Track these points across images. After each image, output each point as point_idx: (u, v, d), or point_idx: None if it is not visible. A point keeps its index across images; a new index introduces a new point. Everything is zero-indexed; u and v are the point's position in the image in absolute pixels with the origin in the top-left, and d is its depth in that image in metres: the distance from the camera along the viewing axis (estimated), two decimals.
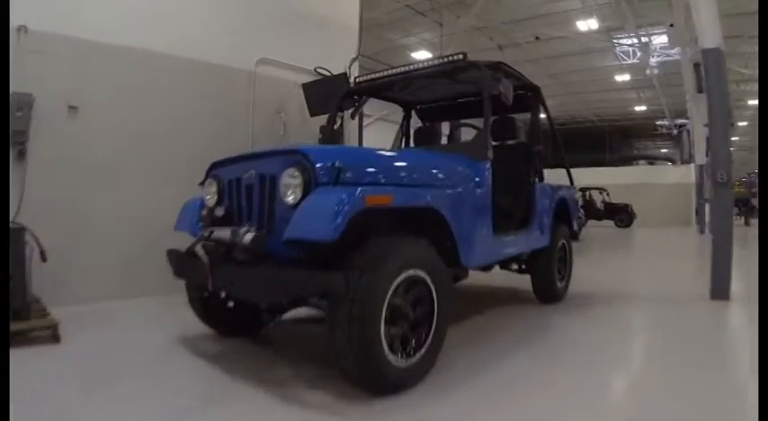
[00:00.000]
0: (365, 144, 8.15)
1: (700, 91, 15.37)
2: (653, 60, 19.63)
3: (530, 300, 5.51)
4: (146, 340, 4.02)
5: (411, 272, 2.89)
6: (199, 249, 3.11)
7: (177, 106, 6.10)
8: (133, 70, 5.73)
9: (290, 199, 2.87)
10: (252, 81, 6.82)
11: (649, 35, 18.34)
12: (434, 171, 3.55)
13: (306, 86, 7.16)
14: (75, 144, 5.30)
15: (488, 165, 4.05)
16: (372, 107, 6.11)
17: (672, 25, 16.05)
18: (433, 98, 5.84)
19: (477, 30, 18.64)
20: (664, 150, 36.62)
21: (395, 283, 2.78)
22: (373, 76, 4.99)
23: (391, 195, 2.88)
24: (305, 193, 2.83)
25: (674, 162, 32.62)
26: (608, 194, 22.98)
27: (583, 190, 22.13)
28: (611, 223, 22.98)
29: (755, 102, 21.42)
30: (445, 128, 7.00)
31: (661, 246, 14.23)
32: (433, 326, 3.09)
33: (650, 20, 16.96)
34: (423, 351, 3.00)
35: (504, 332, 4.31)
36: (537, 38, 19.01)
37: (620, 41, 19.41)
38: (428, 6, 16.87)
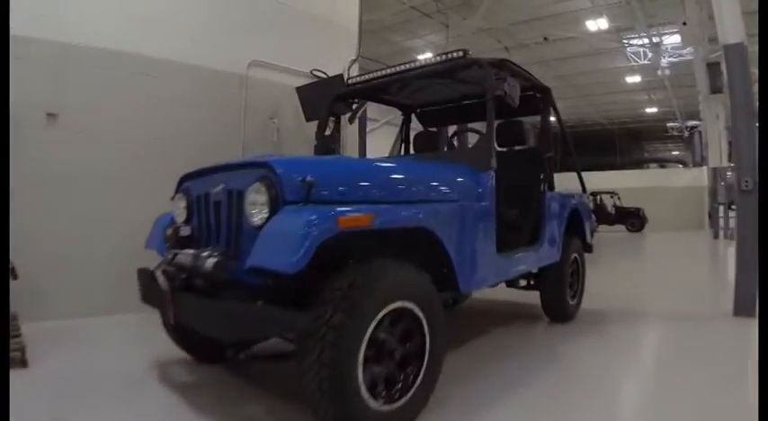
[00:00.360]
0: (370, 150, 7.89)
1: (713, 92, 15.01)
2: (664, 61, 19.22)
3: (538, 317, 5.10)
4: (118, 364, 3.73)
5: (398, 304, 2.49)
6: (159, 275, 2.75)
7: (162, 113, 5.83)
8: (115, 75, 5.49)
9: (256, 219, 2.48)
10: (243, 85, 6.53)
11: (661, 35, 17.91)
12: (428, 184, 3.15)
13: (301, 90, 6.86)
14: (53, 153, 5.06)
15: (492, 176, 3.63)
16: (380, 111, 5.76)
17: (685, 23, 15.58)
18: (435, 100, 5.42)
19: (483, 31, 18.33)
20: (675, 153, 36.08)
21: (377, 318, 2.37)
22: (366, 76, 4.61)
23: (372, 215, 2.45)
24: (272, 213, 2.43)
25: (685, 164, 32.26)
26: (619, 198, 22.79)
27: (593, 194, 22.10)
28: (622, 228, 22.80)
29: None
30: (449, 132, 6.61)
31: (675, 253, 13.78)
32: (425, 364, 2.67)
33: (662, 19, 16.52)
34: (411, 393, 2.59)
35: (508, 359, 3.88)
36: (545, 39, 18.63)
37: (631, 42, 18.98)
38: (434, 8, 16.57)
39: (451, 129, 6.23)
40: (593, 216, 14.31)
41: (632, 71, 22.43)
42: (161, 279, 2.71)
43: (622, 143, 35.39)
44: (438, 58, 4.07)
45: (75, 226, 5.18)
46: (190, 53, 6.02)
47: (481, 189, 3.52)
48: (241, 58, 6.51)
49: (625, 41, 19.02)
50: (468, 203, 3.36)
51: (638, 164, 34.61)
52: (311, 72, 7.12)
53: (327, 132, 5.12)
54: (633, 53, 19.77)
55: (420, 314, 2.63)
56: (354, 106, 5.21)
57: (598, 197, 22.72)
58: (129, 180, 5.48)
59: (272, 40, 6.87)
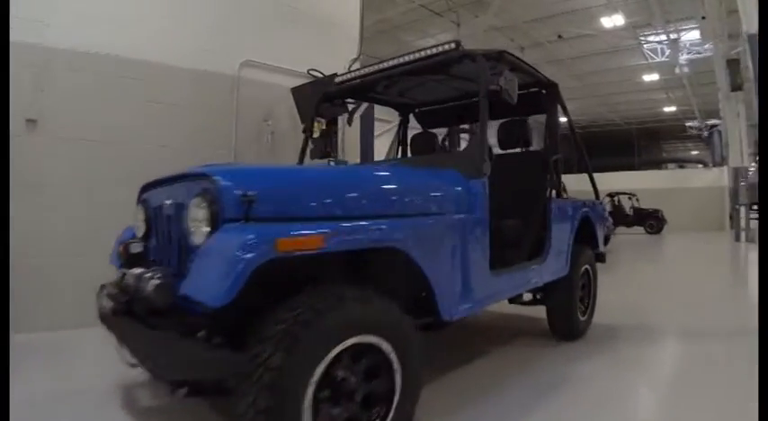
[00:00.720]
0: (380, 154, 7.50)
1: (734, 89, 14.58)
2: (682, 58, 18.80)
3: (544, 333, 4.66)
4: (87, 383, 3.48)
5: (358, 339, 2.12)
6: (102, 297, 2.46)
7: (146, 117, 5.55)
8: (98, 79, 5.24)
9: (197, 238, 2.13)
10: (235, 86, 6.22)
11: (678, 31, 17.48)
12: (402, 195, 2.75)
13: (296, 90, 6.53)
14: (33, 161, 4.82)
15: (485, 183, 3.18)
16: (392, 112, 5.45)
17: (704, 17, 15.10)
18: (434, 100, 5.01)
19: (496, 30, 18.13)
20: (694, 152, 35.45)
21: (329, 357, 2.00)
22: (353, 74, 4.19)
23: (324, 235, 2.06)
24: (213, 231, 2.08)
25: (705, 164, 31.60)
26: (637, 199, 22.36)
27: (611, 195, 21.79)
28: (640, 229, 22.33)
29: None
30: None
31: (696, 257, 13.28)
32: (395, 403, 2.28)
33: (679, 14, 16.11)
34: None
35: (507, 384, 3.46)
36: (560, 36, 18.32)
37: (648, 39, 18.58)
38: (444, 6, 16.32)
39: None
40: (610, 218, 14.16)
41: (649, 69, 21.98)
42: (104, 301, 2.45)
43: (640, 143, 34.82)
44: (428, 52, 3.64)
45: (52, 236, 4.94)
46: (176, 54, 5.77)
47: (471, 199, 3.08)
48: (232, 58, 6.22)
49: (642, 38, 18.63)
50: (454, 216, 2.95)
51: (657, 164, 34.00)
52: (308, 72, 6.77)
53: (316, 135, 4.82)
54: (650, 50, 19.40)
55: (387, 348, 2.24)
56: (351, 107, 4.87)
57: (616, 198, 22.28)
58: (111, 188, 5.17)
59: (265, 38, 6.58)
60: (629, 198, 22.38)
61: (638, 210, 22.43)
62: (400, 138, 5.35)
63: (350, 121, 5.14)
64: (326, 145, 4.95)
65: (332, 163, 4.82)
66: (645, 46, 19.10)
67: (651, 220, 22.19)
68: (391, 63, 3.85)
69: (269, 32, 6.63)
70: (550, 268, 4.10)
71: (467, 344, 4.54)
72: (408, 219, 2.62)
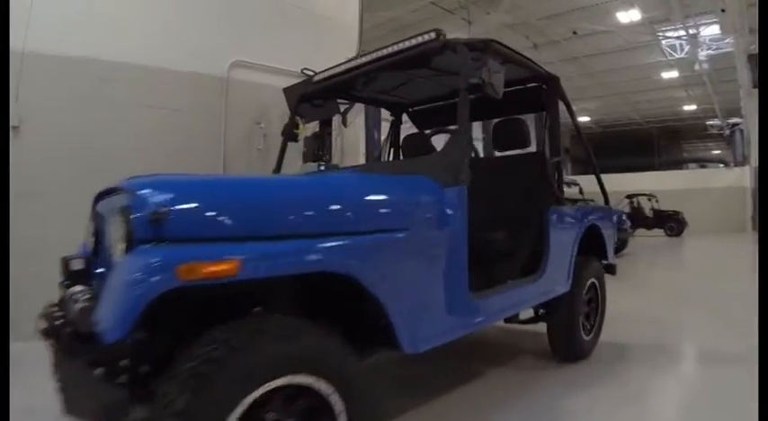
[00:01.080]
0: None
1: (755, 86, 14.09)
2: (702, 54, 18.21)
3: (545, 353, 4.25)
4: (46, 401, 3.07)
5: (287, 379, 1.78)
6: (39, 318, 2.17)
7: (132, 122, 5.39)
8: (81, 83, 5.08)
9: (115, 259, 1.89)
10: (224, 88, 5.99)
11: (698, 26, 16.85)
12: (352, 209, 2.30)
13: (288, 90, 6.18)
14: (16, 168, 4.54)
15: (463, 193, 2.76)
16: None
17: (723, 11, 14.57)
18: (428, 97, 4.62)
19: (509, 27, 17.63)
20: (716, 152, 34.77)
21: (248, 400, 1.67)
22: (330, 72, 3.80)
23: (238, 260, 1.74)
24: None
25: (727, 164, 30.99)
26: (657, 201, 21.78)
27: (630, 197, 21.33)
28: (660, 232, 21.78)
29: None
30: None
31: (718, 262, 12.73)
32: None
33: (698, 8, 15.55)
34: None
35: (497, 416, 3.07)
36: (575, 33, 17.80)
37: (666, 34, 17.99)
38: (455, 3, 15.95)
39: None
40: (628, 221, 13.74)
41: (668, 66, 21.38)
42: (41, 322, 2.15)
43: (660, 143, 34.20)
44: (406, 44, 3.23)
45: (30, 244, 4.67)
46: (162, 57, 5.58)
47: (445, 211, 2.68)
48: (221, 58, 5.99)
49: (660, 34, 18.03)
50: (423, 231, 2.55)
51: (678, 164, 33.39)
52: (302, 71, 6.44)
53: (300, 138, 4.51)
54: (669, 46, 18.84)
55: (326, 390, 1.88)
56: (344, 107, 4.57)
57: (635, 200, 21.75)
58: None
59: (257, 38, 6.35)
60: (649, 199, 21.84)
61: (657, 212, 21.91)
62: (392, 140, 4.98)
63: (345, 122, 4.82)
64: (318, 148, 4.64)
65: (321, 167, 4.52)
66: (663, 42, 18.53)
67: (671, 222, 21.67)
68: (368, 58, 3.47)
69: (261, 31, 6.39)
70: (548, 285, 3.70)
71: (454, 364, 4.16)
72: (358, 238, 2.20)
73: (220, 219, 1.85)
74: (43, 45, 4.86)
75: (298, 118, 4.37)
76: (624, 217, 13.33)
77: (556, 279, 3.80)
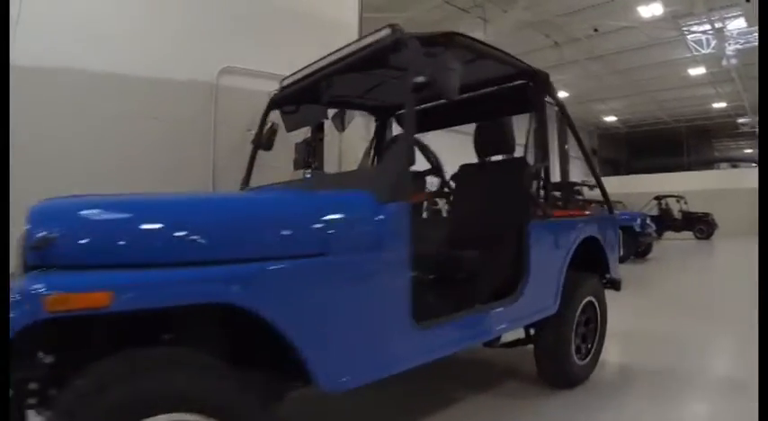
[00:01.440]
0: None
1: None
2: (730, 48, 17.52)
3: (533, 377, 3.79)
4: None
5: (167, 417, 1.63)
6: None
7: (116, 134, 5.11)
8: (61, 95, 4.82)
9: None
10: (213, 95, 5.67)
11: (723, 19, 16.22)
12: (258, 231, 2.03)
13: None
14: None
15: (404, 210, 2.42)
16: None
17: (748, 0, 13.85)
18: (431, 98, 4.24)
19: (529, 26, 17.22)
20: (748, 151, 33.62)
21: None
22: (296, 76, 3.66)
23: (112, 291, 1.61)
24: None
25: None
26: (686, 202, 21.15)
27: (658, 198, 20.71)
28: (689, 234, 21.16)
29: None
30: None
31: (748, 268, 11.96)
32: None
33: (722, 1, 14.98)
34: None
35: None
36: (596, 30, 17.27)
37: (691, 29, 17.38)
38: (470, 2, 15.71)
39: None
40: (653, 225, 13.15)
41: (695, 62, 20.65)
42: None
43: (690, 142, 33.29)
44: (361, 43, 2.98)
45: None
46: (146, 64, 5.30)
47: (382, 230, 2.34)
48: (210, 65, 5.68)
49: (684, 29, 17.45)
50: (349, 255, 2.21)
51: (708, 164, 32.54)
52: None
53: (269, 148, 4.35)
54: (694, 41, 18.20)
55: None
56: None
57: (663, 201, 21.10)
58: None
59: (247, 42, 5.99)
60: (678, 201, 21.24)
61: (686, 214, 21.33)
62: (376, 147, 4.65)
63: (339, 127, 4.57)
64: (309, 154, 4.50)
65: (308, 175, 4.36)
66: (688, 37, 17.91)
67: (701, 225, 21.12)
68: (326, 60, 3.29)
69: (251, 36, 6.02)
70: (528, 307, 3.28)
71: (436, 384, 3.77)
72: (263, 265, 1.95)
73: (110, 244, 1.75)
74: (20, 57, 4.58)
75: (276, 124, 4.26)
76: (648, 220, 12.72)
77: (538, 300, 3.38)
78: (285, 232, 2.08)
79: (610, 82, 23.74)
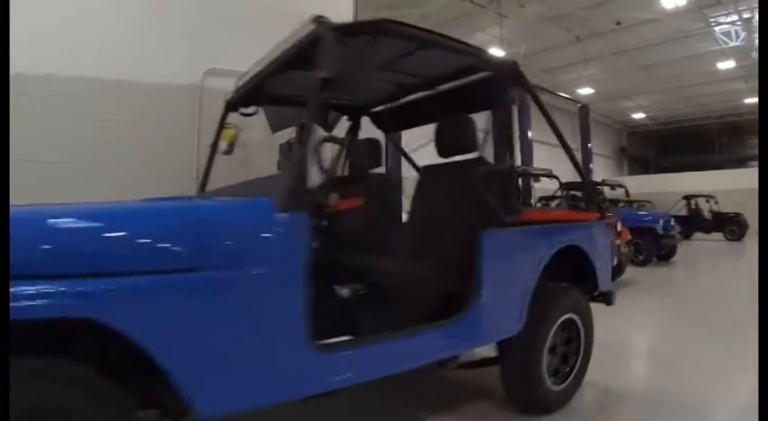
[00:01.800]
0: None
1: None
2: None
3: (504, 400, 3.31)
4: None
5: None
6: None
7: (104, 136, 5.15)
8: (42, 102, 4.86)
9: None
10: (198, 98, 5.61)
11: (752, 8, 15.44)
12: (119, 243, 1.86)
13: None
14: None
15: (299, 222, 2.17)
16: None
17: None
18: (387, 95, 4.03)
19: (548, 20, 16.82)
20: None
21: None
22: (247, 76, 3.48)
23: None
24: None
25: None
26: (716, 202, 20.46)
27: (687, 198, 20.16)
28: (720, 235, 20.49)
29: None
30: None
31: None
32: None
33: None
34: None
35: None
36: (618, 23, 16.77)
37: (718, 20, 16.74)
38: None
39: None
40: (677, 226, 12.55)
41: (724, 55, 19.87)
42: None
43: (721, 139, 32.33)
44: (291, 39, 2.82)
45: None
46: (130, 68, 5.31)
47: (274, 242, 2.12)
48: (195, 66, 5.62)
49: (711, 20, 16.83)
50: (229, 270, 1.98)
51: (741, 162, 31.36)
52: None
53: (225, 150, 4.15)
54: (722, 34, 17.53)
55: None
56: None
57: (693, 201, 20.53)
58: None
59: (233, 43, 5.80)
60: (707, 200, 20.56)
61: (717, 214, 20.65)
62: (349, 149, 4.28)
63: (326, 128, 4.32)
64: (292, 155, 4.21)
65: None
66: (716, 29, 17.24)
67: (732, 226, 20.42)
68: (267, 59, 3.13)
69: (238, 36, 5.85)
70: (480, 328, 2.86)
71: (393, 403, 3.37)
72: (121, 280, 1.80)
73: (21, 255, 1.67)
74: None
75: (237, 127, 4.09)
76: (672, 221, 12.10)
77: (495, 319, 2.96)
78: (150, 245, 1.89)
79: (636, 78, 23.18)
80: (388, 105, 4.18)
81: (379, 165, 3.98)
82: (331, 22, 2.52)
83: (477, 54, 3.05)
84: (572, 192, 11.69)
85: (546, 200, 13.66)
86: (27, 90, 4.80)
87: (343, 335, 2.35)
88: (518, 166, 12.20)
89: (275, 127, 5.45)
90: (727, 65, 20.93)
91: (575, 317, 3.41)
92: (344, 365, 2.31)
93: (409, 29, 2.63)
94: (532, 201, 12.46)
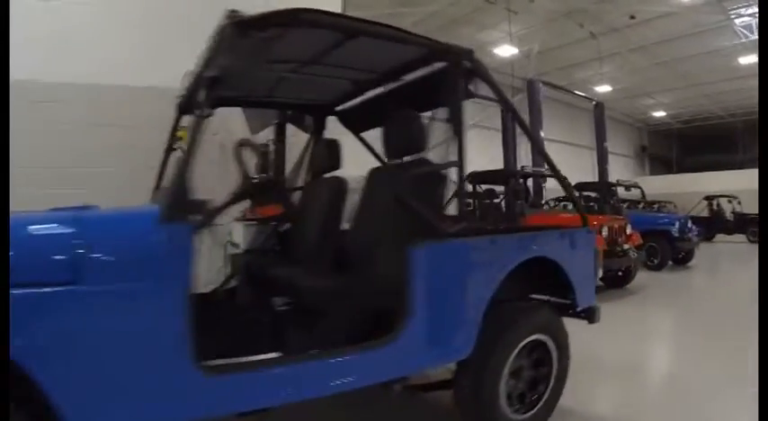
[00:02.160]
0: None
1: None
2: None
3: None
4: None
5: None
6: None
7: (90, 140, 5.35)
8: (22, 106, 4.69)
9: None
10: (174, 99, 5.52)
11: None
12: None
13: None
14: None
15: (181, 234, 2.07)
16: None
17: None
18: (352, 91, 3.81)
19: (562, 16, 16.52)
20: None
21: None
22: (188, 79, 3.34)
23: None
24: None
25: None
26: (739, 202, 19.88)
27: (709, 198, 19.72)
28: (742, 237, 19.74)
29: None
30: None
31: None
32: None
33: None
34: None
35: None
36: (632, 17, 16.31)
37: (738, 12, 16.12)
38: None
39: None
40: (695, 228, 12.00)
41: (745, 49, 18.96)
42: None
43: (746, 138, 31.35)
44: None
45: None
46: (109, 72, 5.44)
47: (156, 256, 2.03)
48: (174, 70, 5.41)
49: (731, 13, 16.22)
50: (106, 285, 1.92)
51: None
52: None
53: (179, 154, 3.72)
54: (743, 27, 16.93)
55: None
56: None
57: (715, 202, 20.05)
58: None
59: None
60: (730, 201, 20.02)
61: (739, 216, 19.94)
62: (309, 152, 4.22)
63: (306, 129, 4.39)
64: (265, 159, 4.68)
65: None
66: (736, 21, 16.64)
67: (755, 227, 19.46)
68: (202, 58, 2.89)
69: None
70: (417, 351, 2.55)
71: None
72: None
73: None
74: None
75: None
76: (690, 223, 11.55)
77: (433, 342, 2.62)
78: (25, 257, 1.84)
79: (655, 74, 22.58)
80: (352, 104, 3.95)
81: (336, 167, 3.67)
82: (242, 15, 2.32)
83: (420, 42, 2.74)
84: (584, 193, 11.27)
85: (557, 201, 13.18)
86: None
87: (273, 351, 2.28)
88: (524, 167, 11.99)
89: (255, 128, 5.52)
90: (749, 60, 19.86)
91: (544, 338, 3.03)
92: (238, 391, 2.15)
93: (330, 18, 2.44)
94: (543, 202, 12.05)
